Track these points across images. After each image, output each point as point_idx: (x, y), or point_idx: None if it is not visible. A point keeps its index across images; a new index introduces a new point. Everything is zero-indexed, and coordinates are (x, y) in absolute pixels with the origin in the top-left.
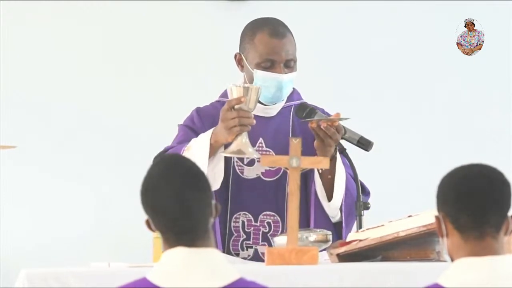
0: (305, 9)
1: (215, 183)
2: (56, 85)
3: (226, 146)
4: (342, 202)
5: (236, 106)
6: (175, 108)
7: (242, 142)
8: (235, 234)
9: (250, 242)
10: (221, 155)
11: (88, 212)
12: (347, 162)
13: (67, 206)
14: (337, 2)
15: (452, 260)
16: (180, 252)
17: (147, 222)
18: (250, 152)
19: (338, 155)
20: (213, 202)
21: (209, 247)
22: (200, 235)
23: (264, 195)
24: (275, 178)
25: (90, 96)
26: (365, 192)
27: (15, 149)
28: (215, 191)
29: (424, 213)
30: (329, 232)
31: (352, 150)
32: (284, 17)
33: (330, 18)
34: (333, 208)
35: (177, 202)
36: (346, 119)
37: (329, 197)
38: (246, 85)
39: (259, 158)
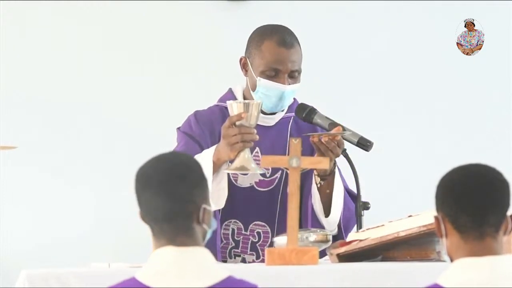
0: (305, 10)
1: (219, 201)
2: (56, 85)
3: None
4: (340, 217)
5: (237, 123)
6: (175, 108)
7: (245, 158)
8: (224, 241)
9: (239, 250)
10: (224, 173)
11: (88, 212)
12: (343, 176)
13: (67, 206)
14: (337, 3)
15: (452, 260)
16: (169, 251)
17: (141, 214)
18: (253, 168)
19: (337, 170)
20: (203, 206)
21: (196, 246)
22: (182, 229)
23: (256, 204)
24: (268, 189)
25: (90, 96)
26: (366, 208)
27: (15, 149)
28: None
29: (424, 213)
30: (329, 232)
31: (352, 150)
32: (284, 17)
33: (330, 19)
34: (332, 223)
35: (161, 189)
36: (347, 133)
37: (327, 213)
38: (246, 101)
39: (263, 173)
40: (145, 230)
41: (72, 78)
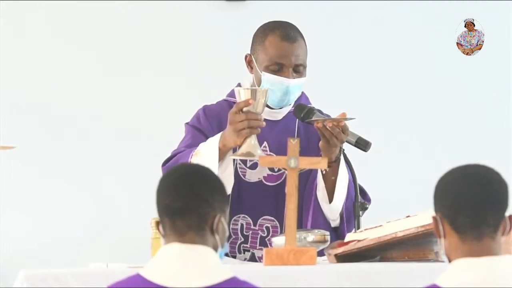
0: (304, 10)
1: (226, 188)
2: (56, 85)
3: (234, 149)
4: (343, 205)
5: (244, 109)
6: (174, 108)
7: (251, 144)
8: (233, 237)
9: (248, 245)
10: (230, 159)
11: (87, 212)
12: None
13: (66, 207)
14: (337, 3)
15: (450, 260)
16: (174, 247)
17: (157, 223)
18: (259, 154)
19: (342, 157)
20: (219, 214)
21: (203, 245)
22: (194, 227)
23: (265, 199)
24: (276, 183)
25: (89, 96)
26: (366, 198)
27: (15, 149)
28: None
29: (422, 214)
30: (327, 233)
31: (351, 150)
32: (284, 17)
33: (330, 19)
34: (335, 211)
35: (182, 183)
36: (351, 119)
37: (331, 199)
38: (253, 88)
39: (271, 168)
40: (145, 231)
41: (71, 78)
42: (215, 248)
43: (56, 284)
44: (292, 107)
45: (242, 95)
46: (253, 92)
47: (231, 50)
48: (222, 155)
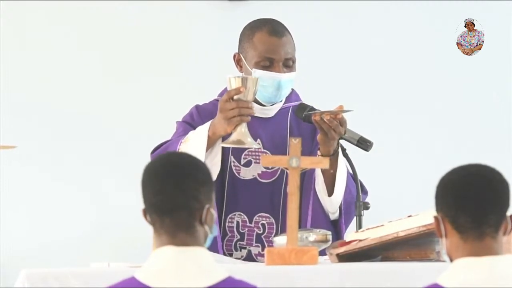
0: (304, 10)
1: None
2: (56, 85)
3: (224, 137)
4: (342, 199)
5: (235, 97)
6: (174, 109)
7: (241, 132)
8: (229, 234)
9: (244, 243)
10: (219, 147)
11: (88, 212)
12: (347, 162)
13: (67, 207)
14: (337, 3)
15: (451, 260)
16: (168, 250)
17: (144, 211)
18: (250, 142)
19: (339, 150)
20: (207, 205)
21: (197, 246)
22: (183, 226)
23: (260, 196)
24: (271, 180)
25: (89, 96)
26: (363, 191)
27: (15, 149)
28: None
29: (424, 213)
30: (329, 232)
31: (352, 150)
32: (283, 17)
33: (330, 19)
34: (335, 203)
35: (167, 181)
36: (349, 111)
37: (330, 192)
38: (244, 76)
39: (258, 148)
40: (145, 231)
41: (71, 78)
42: (206, 237)
43: (56, 284)
44: (284, 103)
45: (233, 83)
46: (244, 80)
47: (232, 50)
48: (211, 143)
